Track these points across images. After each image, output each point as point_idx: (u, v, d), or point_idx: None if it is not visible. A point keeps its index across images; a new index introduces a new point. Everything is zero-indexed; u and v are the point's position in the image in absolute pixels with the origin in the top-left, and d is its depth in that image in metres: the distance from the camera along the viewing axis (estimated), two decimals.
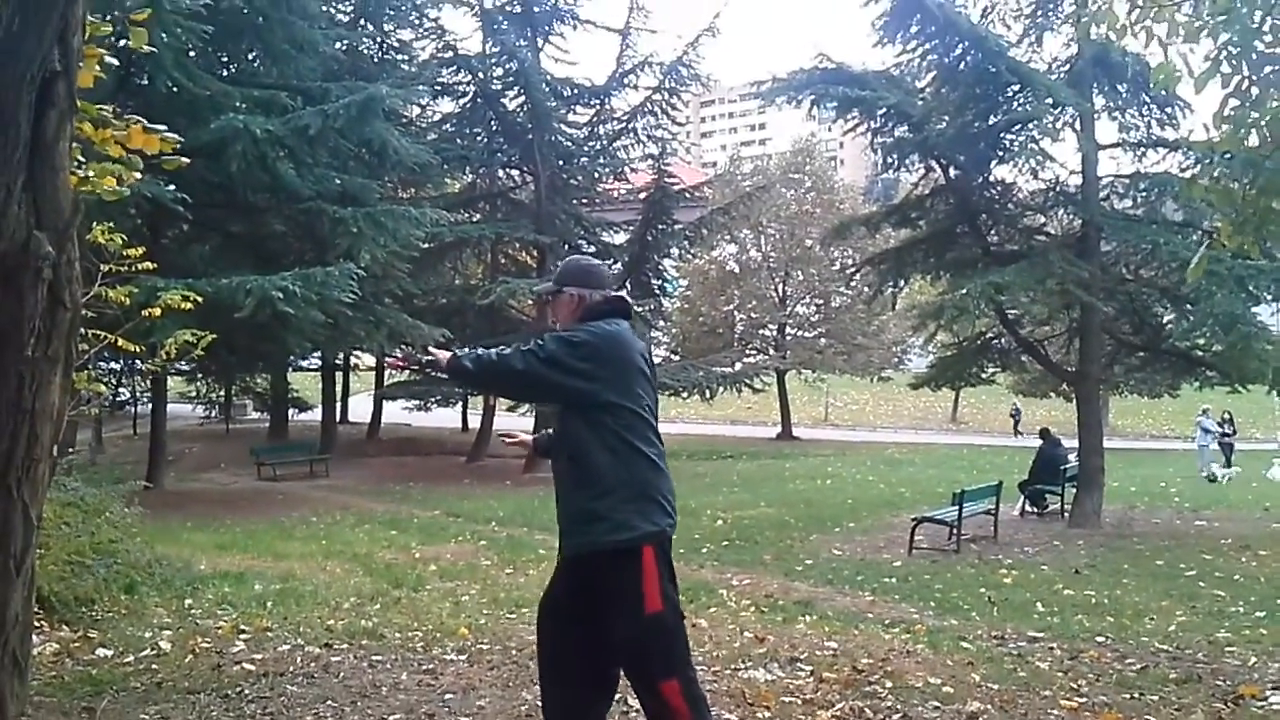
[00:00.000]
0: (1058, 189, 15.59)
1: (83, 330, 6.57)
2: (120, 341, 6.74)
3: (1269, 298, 13.66)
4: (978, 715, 4.55)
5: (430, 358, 3.52)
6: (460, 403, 33.29)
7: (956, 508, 12.44)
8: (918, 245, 16.84)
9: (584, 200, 28.08)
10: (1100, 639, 6.81)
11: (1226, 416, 24.56)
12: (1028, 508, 15.86)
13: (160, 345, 7.72)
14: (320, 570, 9.66)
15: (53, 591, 6.10)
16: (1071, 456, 15.85)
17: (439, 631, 6.20)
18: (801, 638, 6.41)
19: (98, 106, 4.26)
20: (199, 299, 7.59)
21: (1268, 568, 10.52)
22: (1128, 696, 5.08)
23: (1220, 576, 9.93)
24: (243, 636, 5.84)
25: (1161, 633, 7.07)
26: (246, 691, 4.59)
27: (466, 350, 3.54)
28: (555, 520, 3.56)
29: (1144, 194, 14.91)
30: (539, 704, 4.41)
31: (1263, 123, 4.07)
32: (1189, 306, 14.12)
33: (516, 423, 29.77)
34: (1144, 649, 6.42)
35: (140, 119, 4.43)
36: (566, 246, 27.03)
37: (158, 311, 7.00)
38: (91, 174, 4.47)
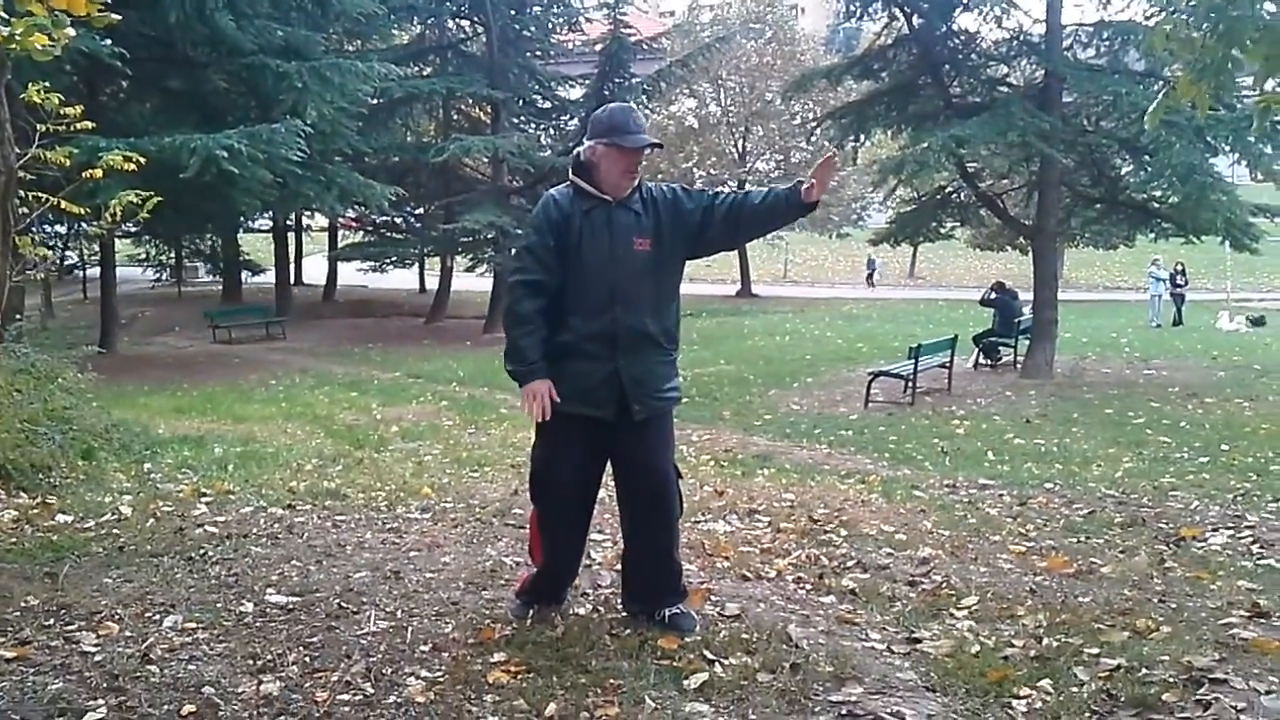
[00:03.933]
0: (1021, 38, 15.31)
1: (22, 193, 6.35)
2: (63, 204, 6.52)
3: (1226, 148, 13.66)
4: (929, 560, 4.68)
5: None
6: (417, 264, 32.95)
7: (912, 361, 12.61)
8: (879, 98, 16.57)
9: (537, 53, 27.20)
10: (1049, 485, 7.01)
11: (1179, 268, 24.86)
12: (982, 360, 16.12)
13: (105, 207, 7.47)
14: (281, 433, 9.65)
15: (7, 459, 6.04)
16: (1026, 309, 16.05)
17: (402, 491, 6.24)
18: (760, 490, 6.53)
19: None
20: (142, 159, 7.32)
21: (1213, 415, 10.82)
22: (1074, 540, 5.25)
23: (1167, 424, 10.20)
24: (204, 500, 5.84)
25: (1108, 479, 7.28)
26: (210, 554, 4.61)
27: None
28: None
29: (1107, 43, 14.68)
30: (503, 560, 4.51)
31: None
32: (1147, 158, 14.10)
33: (475, 283, 29.54)
34: (1091, 494, 6.62)
35: None
36: (520, 102, 26.32)
37: (100, 173, 6.76)
38: (19, 32, 4.19)
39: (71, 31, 4.21)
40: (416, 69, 26.42)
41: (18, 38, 4.09)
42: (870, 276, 39.93)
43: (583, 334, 3.45)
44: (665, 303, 3.56)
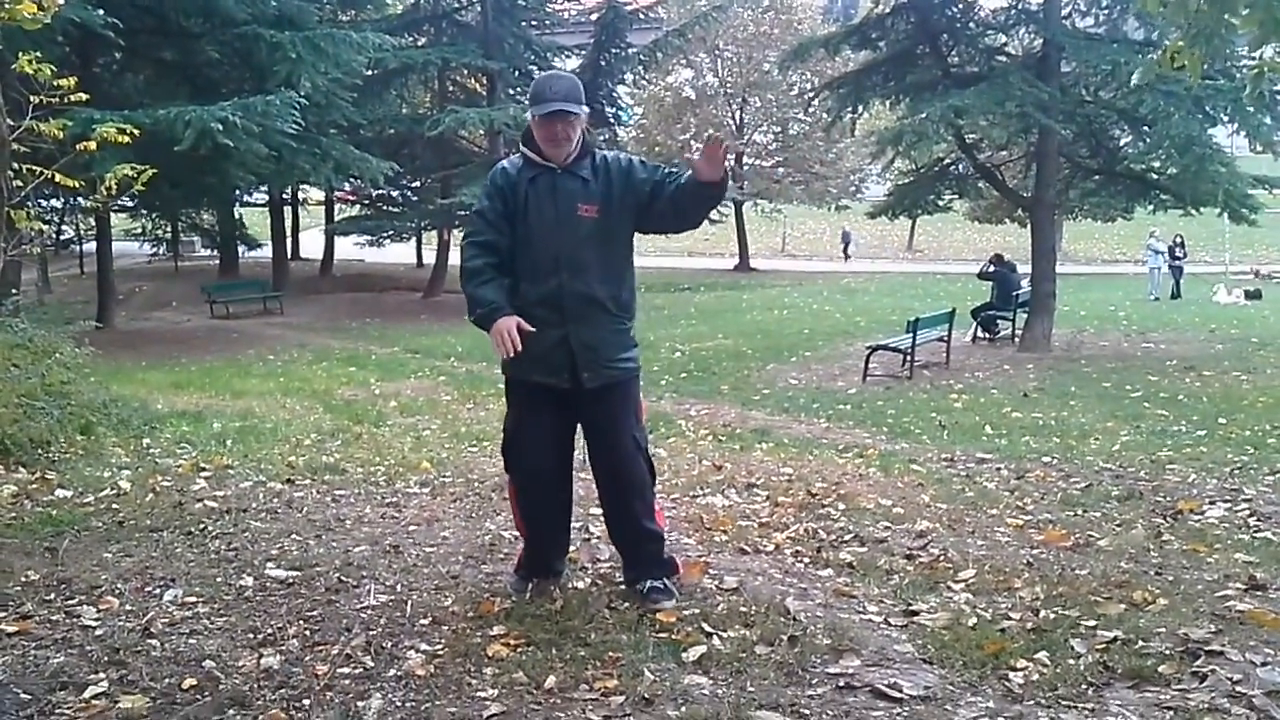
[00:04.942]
0: (1019, 6, 15.24)
1: (16, 165, 6.30)
2: (58, 177, 6.47)
3: (1225, 119, 13.61)
4: (927, 534, 4.69)
5: None
6: (414, 238, 32.79)
7: (910, 335, 12.60)
8: (877, 68, 16.48)
9: (533, 22, 27.01)
10: (1046, 459, 7.01)
11: (1178, 240, 24.81)
12: (980, 333, 16.11)
13: (100, 180, 7.43)
14: (279, 408, 9.65)
15: (6, 434, 6.04)
16: (1024, 282, 16.04)
17: (401, 466, 6.24)
18: (758, 464, 6.54)
19: None
20: (136, 131, 7.27)
21: (1210, 388, 10.83)
22: (1071, 513, 5.26)
23: (1164, 397, 10.21)
24: (203, 474, 5.84)
25: (1106, 452, 7.28)
26: (210, 528, 4.61)
27: None
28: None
29: (1105, 11, 14.66)
30: (501, 534, 4.51)
31: None
32: (1146, 129, 14.06)
33: None
34: (1088, 468, 6.62)
35: None
36: (517, 73, 26.12)
37: (94, 145, 6.71)
38: (7, 1, 4.16)
39: (61, 0, 4.16)
40: (411, 39, 26.22)
41: (7, 7, 4.06)
42: (845, 249, 39.96)
43: (531, 299, 3.49)
44: (615, 270, 3.56)
